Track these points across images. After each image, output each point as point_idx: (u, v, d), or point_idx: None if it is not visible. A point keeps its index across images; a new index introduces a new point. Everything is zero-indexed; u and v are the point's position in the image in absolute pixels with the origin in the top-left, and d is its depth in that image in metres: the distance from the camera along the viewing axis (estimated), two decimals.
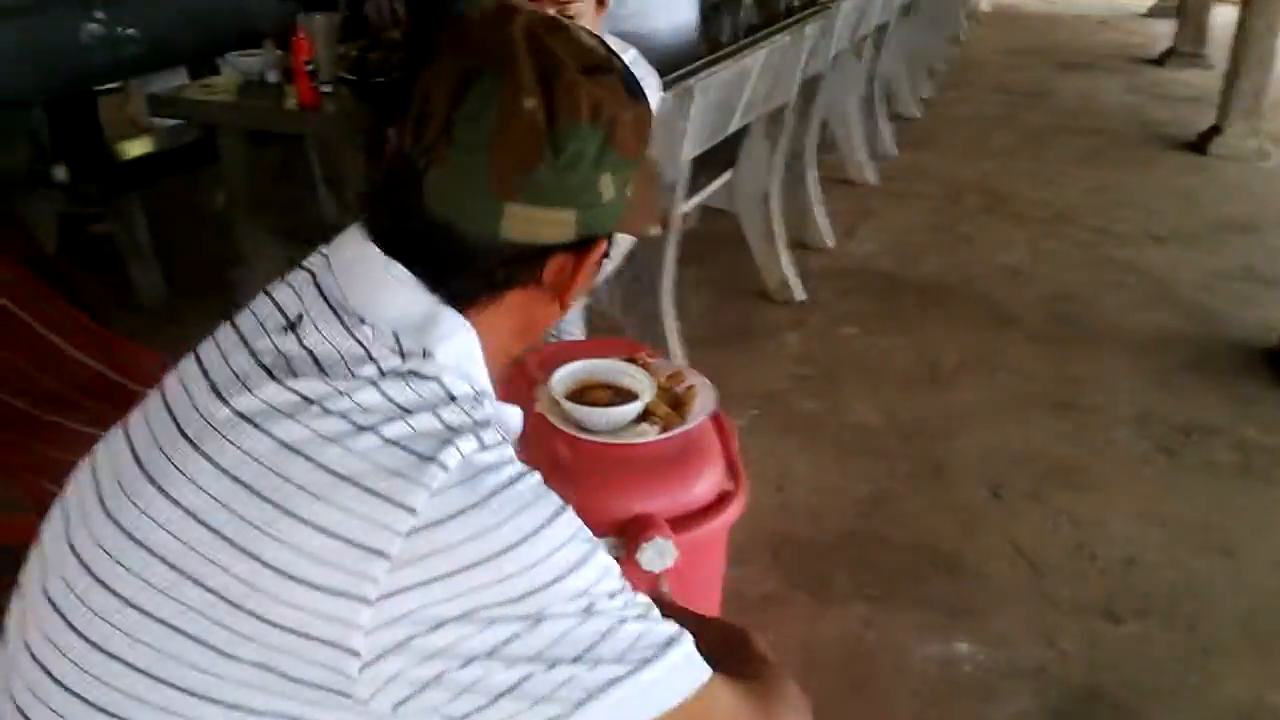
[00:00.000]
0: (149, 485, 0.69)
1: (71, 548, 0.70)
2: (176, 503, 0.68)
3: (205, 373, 0.75)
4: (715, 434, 1.53)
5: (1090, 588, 1.96)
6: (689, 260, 3.56)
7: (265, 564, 0.65)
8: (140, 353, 2.09)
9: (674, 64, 2.44)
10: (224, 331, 0.80)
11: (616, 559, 1.22)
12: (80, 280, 2.42)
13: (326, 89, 2.71)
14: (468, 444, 0.68)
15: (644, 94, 0.80)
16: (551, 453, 1.43)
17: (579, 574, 0.70)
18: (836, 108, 4.27)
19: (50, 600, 0.70)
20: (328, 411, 0.68)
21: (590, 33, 0.80)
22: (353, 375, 0.71)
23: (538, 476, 0.71)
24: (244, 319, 0.80)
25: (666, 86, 2.17)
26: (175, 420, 0.73)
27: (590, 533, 0.73)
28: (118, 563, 0.67)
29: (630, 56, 1.99)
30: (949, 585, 1.97)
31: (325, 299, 0.77)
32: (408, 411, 0.69)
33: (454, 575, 0.65)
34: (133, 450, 0.73)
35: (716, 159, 3.06)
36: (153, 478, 0.69)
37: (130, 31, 3.37)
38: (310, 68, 2.60)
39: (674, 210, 2.36)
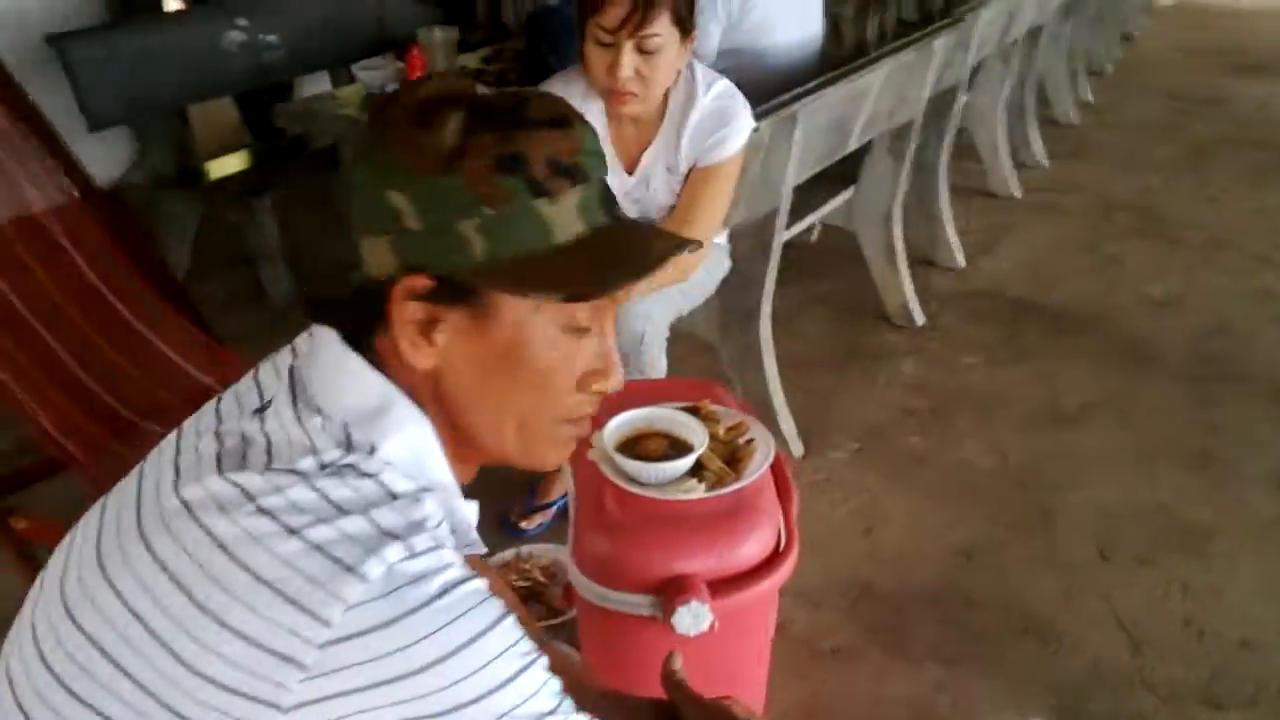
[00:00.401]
0: (98, 573, 0.72)
1: (33, 629, 0.74)
2: (118, 594, 0.70)
3: (177, 453, 0.78)
4: (773, 490, 1.50)
5: (1194, 669, 1.82)
6: (805, 276, 3.50)
7: (184, 663, 0.66)
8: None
9: (795, 80, 2.38)
10: (207, 409, 0.82)
11: (653, 619, 1.19)
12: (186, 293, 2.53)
13: None
14: (395, 552, 0.68)
15: (507, 126, 0.75)
16: (598, 503, 1.43)
17: (507, 691, 0.69)
18: (978, 114, 4.10)
19: (10, 679, 0.74)
20: (260, 510, 0.69)
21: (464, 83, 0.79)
22: (293, 469, 0.72)
23: (474, 585, 0.70)
24: (227, 399, 0.82)
25: (769, 112, 2.12)
26: (138, 501, 0.75)
27: (530, 646, 0.72)
28: (66, 653, 0.70)
29: (719, 89, 1.95)
30: (1036, 653, 1.87)
31: (292, 384, 0.78)
32: (341, 511, 0.70)
33: (372, 689, 0.65)
34: (99, 530, 0.76)
35: (836, 174, 2.99)
36: (103, 565, 0.72)
37: (271, 38, 3.53)
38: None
39: (774, 237, 2.31)
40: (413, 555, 0.68)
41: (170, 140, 3.40)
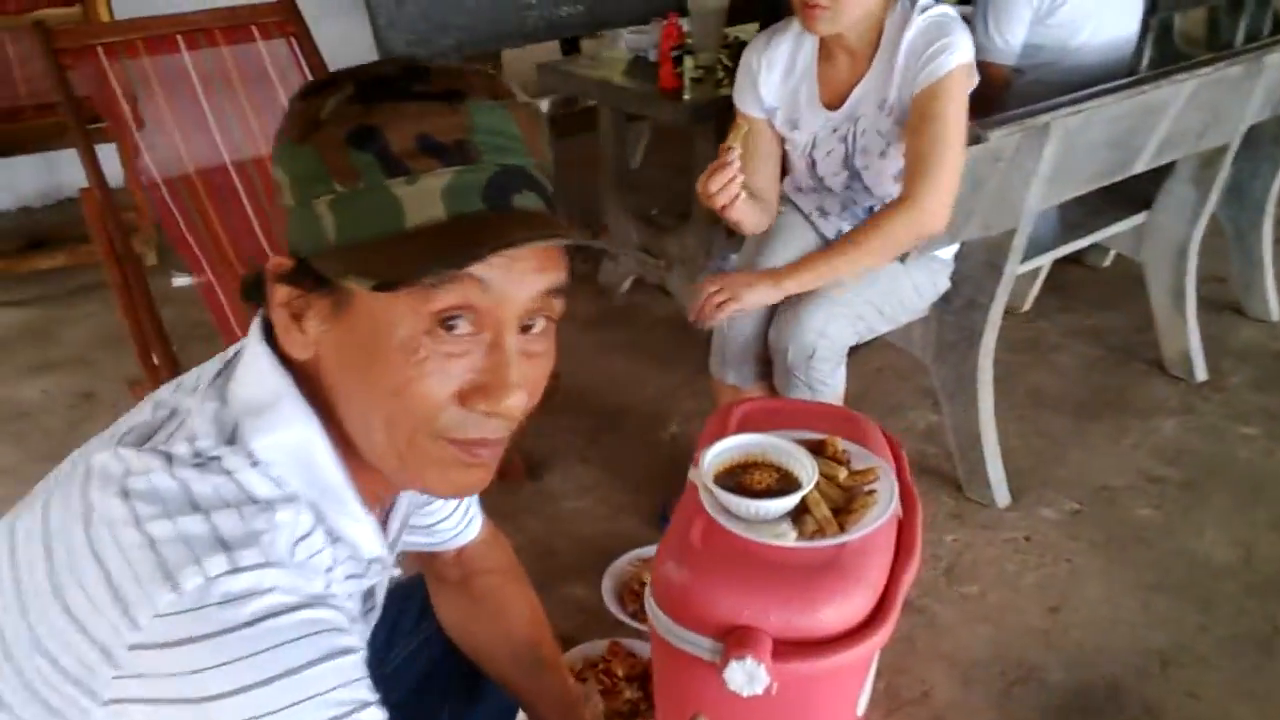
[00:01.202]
0: (36, 507, 0.74)
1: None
2: (17, 537, 0.72)
3: (139, 412, 0.79)
4: (886, 552, 1.35)
5: None
6: (1079, 303, 3.16)
7: (30, 629, 0.67)
8: None
9: (1095, 84, 2.12)
10: (175, 381, 0.83)
11: (713, 664, 1.08)
12: None
13: (696, 74, 2.72)
14: (217, 564, 0.65)
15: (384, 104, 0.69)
16: (687, 527, 1.35)
17: None
18: None
19: None
20: (122, 492, 0.68)
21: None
22: (166, 452, 0.71)
23: (300, 616, 0.65)
24: (208, 366, 0.82)
25: (1013, 120, 1.90)
26: (87, 449, 0.77)
27: (360, 690, 0.67)
28: None
29: (935, 11, 1.82)
30: None
31: (227, 365, 0.77)
32: (190, 508, 0.67)
33: (169, 704, 0.63)
34: (70, 465, 0.77)
35: (1127, 195, 2.65)
36: (38, 499, 0.74)
37: None
38: (679, 52, 2.61)
39: (1006, 263, 2.08)
40: (234, 571, 0.65)
41: None
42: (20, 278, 3.36)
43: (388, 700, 1.06)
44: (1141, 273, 2.81)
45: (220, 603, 0.64)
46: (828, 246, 1.92)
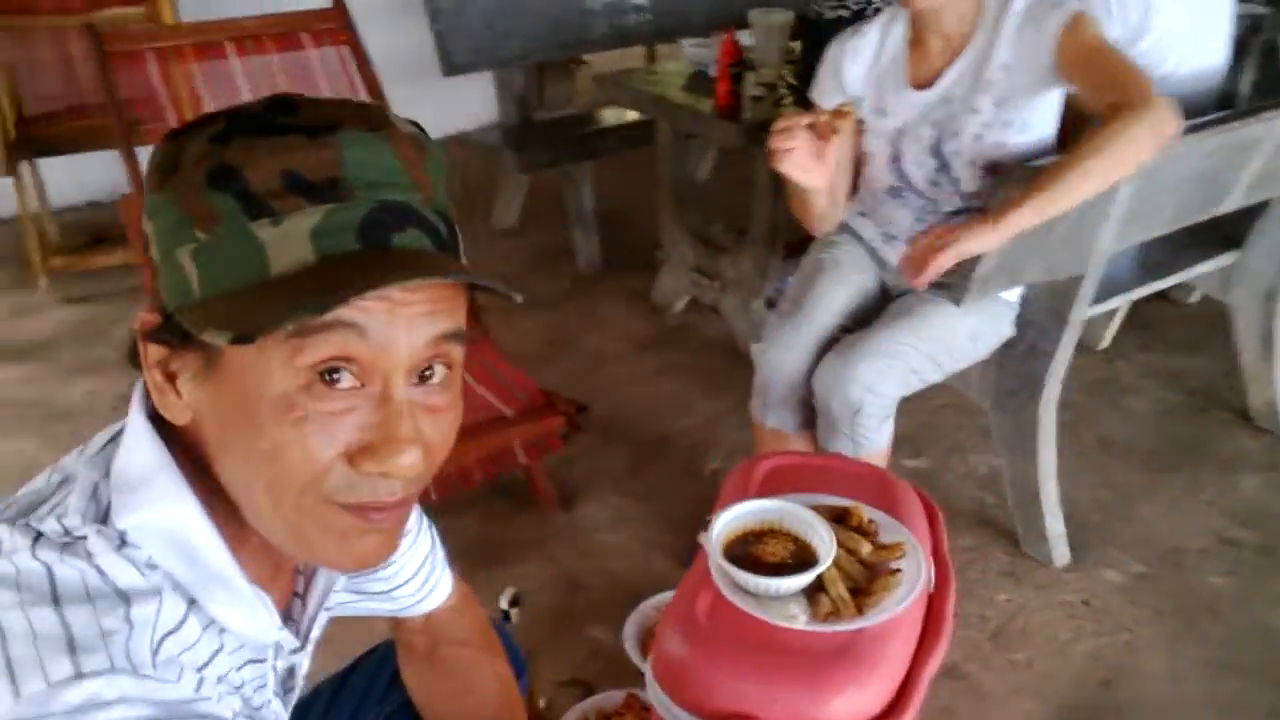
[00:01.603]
0: None
1: None
2: None
3: (25, 487, 0.74)
4: (909, 637, 1.25)
5: None
6: (1160, 344, 2.99)
7: None
8: (527, 386, 2.17)
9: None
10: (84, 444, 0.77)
11: None
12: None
13: (757, 92, 2.62)
14: (60, 669, 0.59)
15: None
16: (692, 596, 1.26)
17: None
18: None
19: None
20: None
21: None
22: (38, 529, 0.66)
23: None
24: (98, 436, 0.76)
25: None
26: None
27: None
28: None
29: None
30: None
31: (118, 432, 0.72)
32: (46, 599, 0.62)
33: None
34: None
35: (1216, 233, 2.48)
36: None
37: (640, 1, 3.54)
38: (738, 69, 2.52)
39: (1072, 309, 1.94)
40: (78, 677, 0.59)
41: (515, 92, 3.52)
42: (82, 274, 3.40)
43: None
44: (1222, 311, 2.63)
45: (61, 713, 0.58)
46: (1050, 166, 1.62)
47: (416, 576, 1.03)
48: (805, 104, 1.88)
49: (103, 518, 0.67)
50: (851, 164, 1.95)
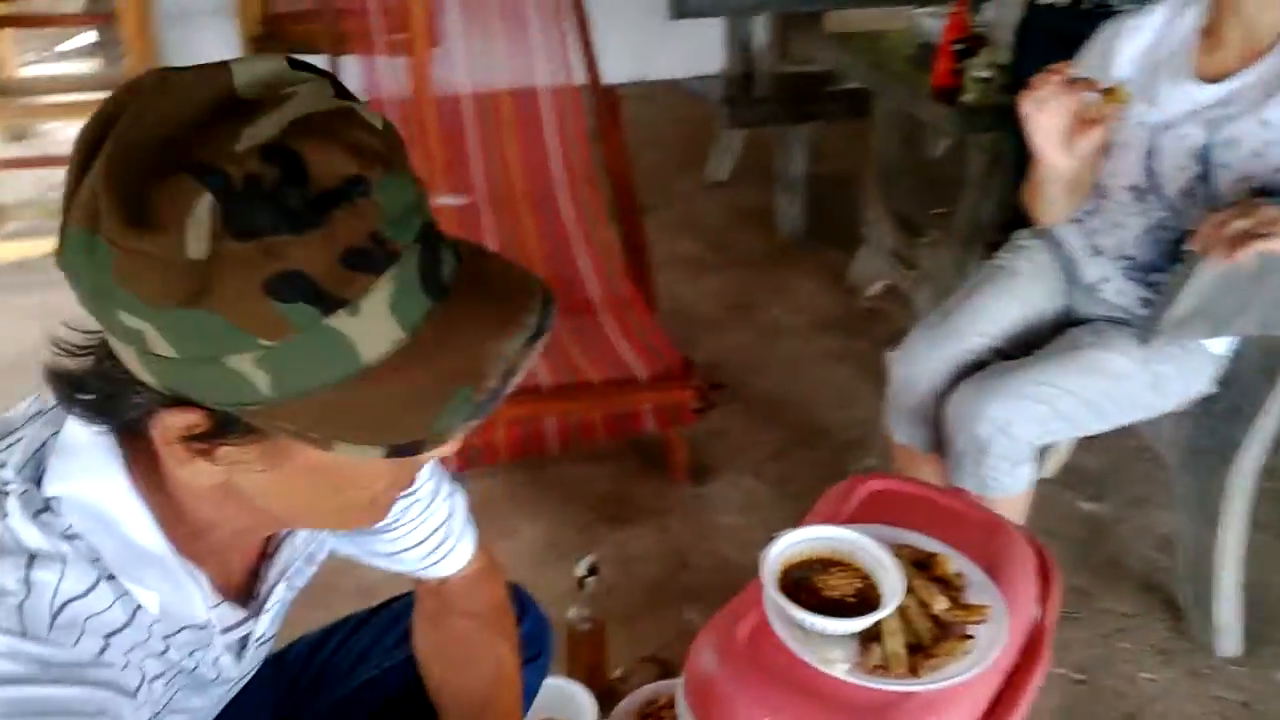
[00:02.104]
0: None
1: None
2: None
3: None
4: (964, 713, 1.13)
5: None
6: None
7: None
8: (669, 353, 2.14)
9: None
10: None
11: None
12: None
13: (985, 74, 2.41)
14: None
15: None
16: (737, 614, 1.19)
17: None
18: None
19: None
20: None
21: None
22: None
23: (20, 692, 0.60)
24: None
25: None
26: None
27: None
28: None
29: None
30: None
31: None
32: None
33: None
34: None
35: None
36: None
37: None
38: (963, 45, 2.32)
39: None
40: None
41: (742, 44, 3.41)
42: None
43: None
44: None
45: None
46: None
47: (425, 543, 1.01)
48: (1015, 89, 1.67)
49: (37, 479, 0.67)
50: (1102, 155, 1.70)
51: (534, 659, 1.17)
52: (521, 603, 1.19)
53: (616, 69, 2.56)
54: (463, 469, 1.95)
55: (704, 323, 2.92)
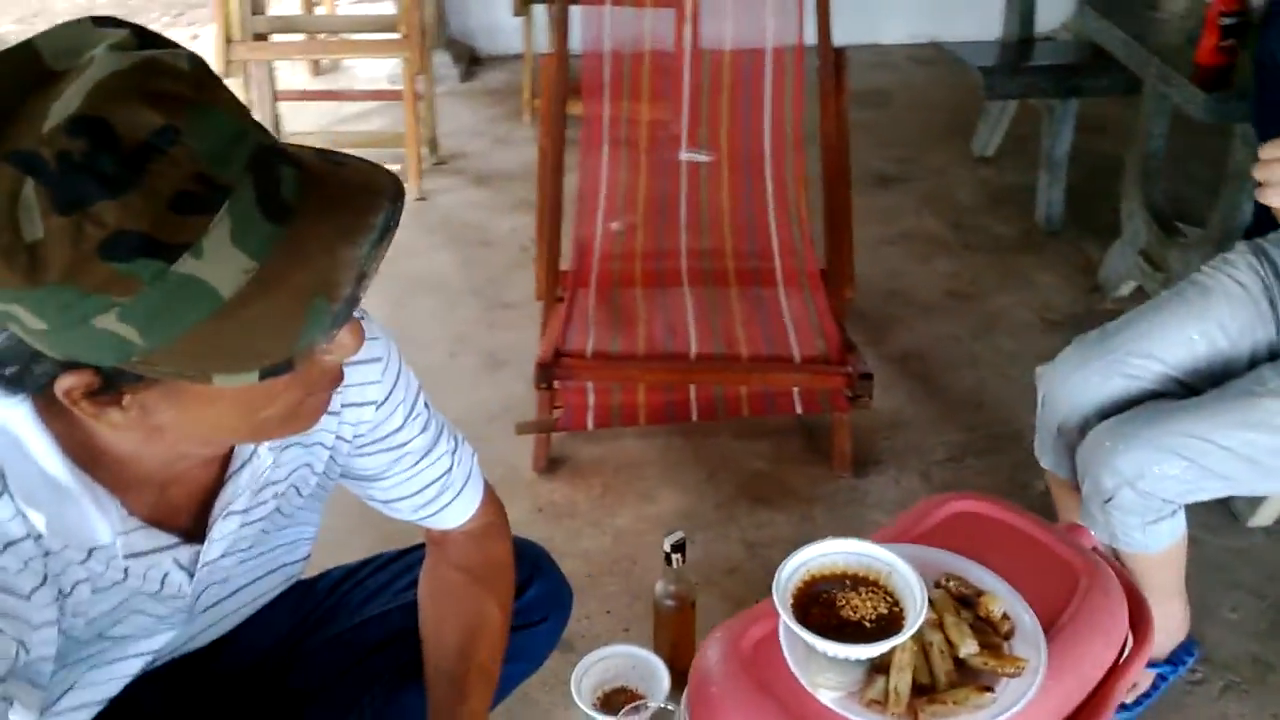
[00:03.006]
0: None
1: None
2: None
3: None
4: None
5: None
6: None
7: None
8: (834, 339, 2.07)
9: None
10: None
11: None
12: None
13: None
14: None
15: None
16: (749, 623, 1.14)
17: None
18: None
19: None
20: None
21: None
22: None
23: None
24: None
25: None
26: None
27: None
28: None
29: None
30: None
31: None
32: None
33: None
34: None
35: None
36: None
37: None
38: (1233, 20, 2.02)
39: None
40: None
41: (1022, 7, 3.15)
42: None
43: (346, 651, 1.07)
44: None
45: None
46: None
47: (419, 495, 1.04)
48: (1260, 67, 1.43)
49: None
50: None
51: (538, 623, 1.18)
52: (540, 567, 1.20)
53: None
54: (600, 426, 1.97)
55: (919, 306, 2.77)
